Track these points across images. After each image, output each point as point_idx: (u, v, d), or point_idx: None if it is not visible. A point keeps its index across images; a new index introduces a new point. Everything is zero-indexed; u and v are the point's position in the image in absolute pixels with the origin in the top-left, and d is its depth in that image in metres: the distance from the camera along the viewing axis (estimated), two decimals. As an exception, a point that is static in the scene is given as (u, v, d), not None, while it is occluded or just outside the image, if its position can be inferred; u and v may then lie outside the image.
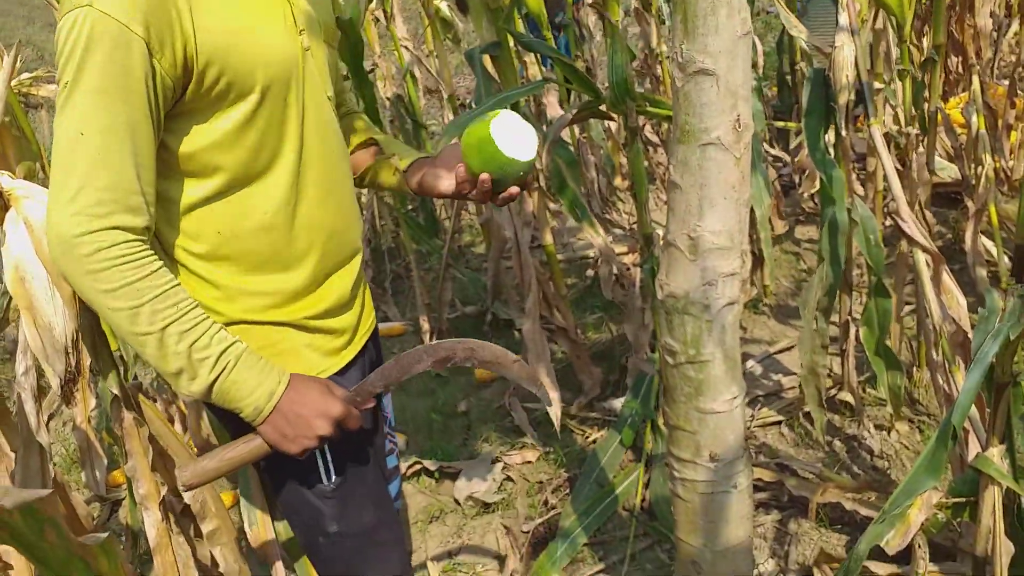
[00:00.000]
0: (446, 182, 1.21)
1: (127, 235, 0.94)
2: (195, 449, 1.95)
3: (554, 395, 2.24)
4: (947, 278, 1.59)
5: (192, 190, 1.03)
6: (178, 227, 1.05)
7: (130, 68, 0.91)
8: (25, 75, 2.92)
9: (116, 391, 1.15)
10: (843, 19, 1.65)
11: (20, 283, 1.01)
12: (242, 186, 1.05)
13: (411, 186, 1.27)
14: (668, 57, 4.02)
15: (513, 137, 1.14)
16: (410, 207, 3.89)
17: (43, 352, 1.06)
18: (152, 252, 0.97)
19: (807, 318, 1.96)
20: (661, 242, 2.22)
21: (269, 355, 1.10)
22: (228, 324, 1.09)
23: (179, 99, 0.98)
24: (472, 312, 3.30)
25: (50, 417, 1.81)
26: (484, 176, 1.15)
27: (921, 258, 1.62)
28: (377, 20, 3.47)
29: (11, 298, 2.11)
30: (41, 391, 1.21)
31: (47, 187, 0.97)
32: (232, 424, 1.13)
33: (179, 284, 0.99)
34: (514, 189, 1.19)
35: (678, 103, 1.04)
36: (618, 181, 4.16)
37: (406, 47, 3.33)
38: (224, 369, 1.00)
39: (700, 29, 1.00)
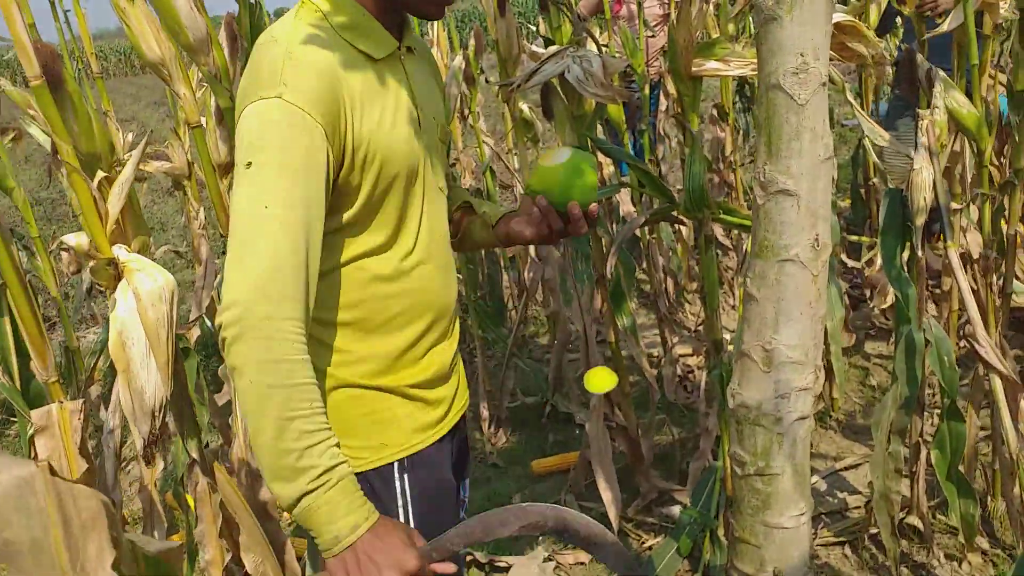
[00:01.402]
0: (529, 229, 1.31)
1: (293, 314, 0.98)
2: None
3: (612, 495, 2.21)
4: (1026, 407, 1.55)
5: (328, 260, 1.12)
6: None
7: (312, 151, 1.02)
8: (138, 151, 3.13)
9: (195, 455, 1.19)
10: (922, 141, 1.67)
11: (121, 347, 1.08)
12: (366, 257, 1.16)
13: (500, 239, 1.38)
14: (741, 165, 4.08)
15: (559, 155, 1.28)
16: (479, 294, 3.97)
17: (132, 413, 1.11)
18: (304, 343, 1.00)
19: (879, 439, 1.92)
20: (732, 349, 2.22)
21: (371, 422, 1.17)
22: (339, 387, 1.17)
23: (334, 181, 1.09)
24: (532, 403, 3.31)
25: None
26: (571, 204, 1.25)
27: (998, 383, 1.59)
28: (464, 117, 3.63)
29: (97, 360, 2.20)
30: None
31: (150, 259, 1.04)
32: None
33: (316, 384, 1.00)
34: (593, 207, 1.28)
35: (758, 219, 1.07)
36: (684, 282, 4.17)
37: (487, 143, 3.47)
38: (323, 485, 0.98)
39: (784, 152, 1.04)
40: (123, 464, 3.13)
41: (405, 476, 1.22)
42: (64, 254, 3.79)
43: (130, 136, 3.40)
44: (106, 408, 3.21)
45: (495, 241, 1.40)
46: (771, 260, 1.07)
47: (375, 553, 1.00)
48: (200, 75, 1.64)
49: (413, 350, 1.22)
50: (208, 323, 3.23)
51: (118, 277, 1.09)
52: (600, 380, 2.18)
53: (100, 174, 1.14)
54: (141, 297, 1.06)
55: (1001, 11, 2.46)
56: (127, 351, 1.06)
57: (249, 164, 1.01)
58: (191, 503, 1.39)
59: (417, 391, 1.23)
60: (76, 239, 1.08)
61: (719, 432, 2.24)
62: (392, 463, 1.21)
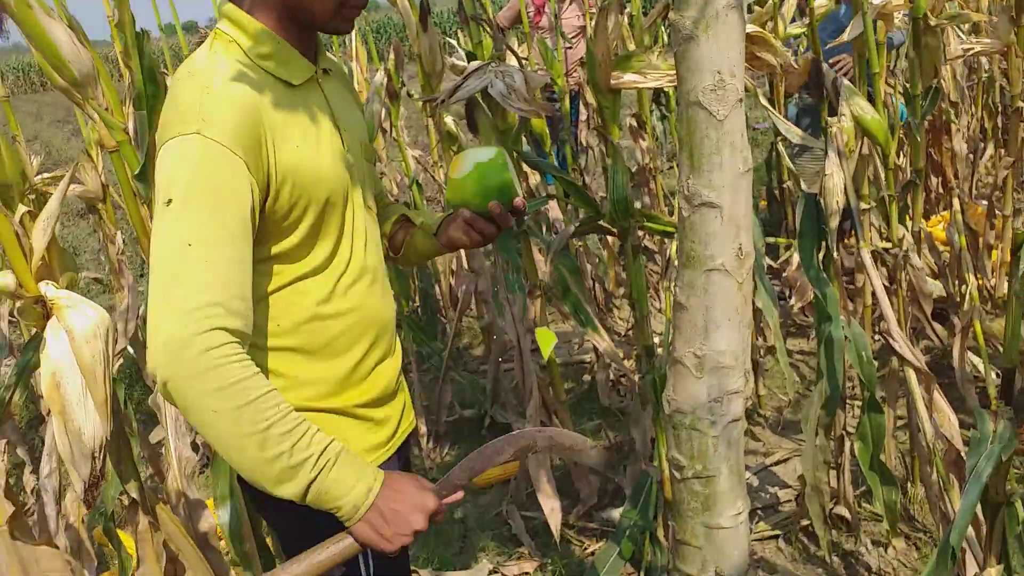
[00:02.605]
0: (465, 236, 1.33)
1: (231, 337, 0.98)
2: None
3: (553, 504, 2.24)
4: (938, 397, 1.64)
5: (256, 288, 1.11)
6: None
7: (234, 185, 1.02)
8: (45, 175, 3.02)
9: (135, 495, 1.17)
10: (831, 153, 1.76)
11: (55, 388, 1.05)
12: (300, 280, 1.16)
13: (444, 246, 1.39)
14: (660, 172, 4.19)
15: (472, 157, 1.30)
16: (412, 307, 3.96)
17: (70, 456, 1.08)
18: (249, 356, 1.01)
19: (809, 434, 2.00)
20: (662, 353, 2.27)
21: None
22: None
23: (260, 211, 1.09)
24: (471, 415, 3.32)
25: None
26: (491, 205, 1.27)
27: (913, 376, 1.68)
28: (385, 131, 3.63)
29: (12, 394, 2.12)
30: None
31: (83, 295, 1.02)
32: (283, 530, 1.16)
33: (274, 389, 1.02)
34: (517, 200, 1.31)
35: (684, 231, 1.11)
36: (612, 287, 4.25)
37: (415, 158, 3.47)
38: (324, 468, 1.01)
39: (705, 166, 1.08)
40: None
41: None
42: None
43: (37, 160, 3.28)
44: (23, 445, 3.07)
45: (439, 249, 1.41)
46: (698, 270, 1.11)
47: (396, 504, 1.06)
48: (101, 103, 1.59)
49: (358, 370, 1.23)
50: (131, 351, 3.13)
51: (47, 315, 1.06)
52: (546, 340, 2.23)
53: (22, 208, 1.10)
54: (74, 335, 1.04)
55: (895, 21, 2.61)
56: (62, 392, 1.03)
57: (169, 201, 1.00)
58: (127, 542, 1.36)
59: (365, 411, 1.24)
60: (1, 279, 1.04)
61: (654, 435, 2.30)
62: None
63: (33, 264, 1.06)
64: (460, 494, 1.16)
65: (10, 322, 3.25)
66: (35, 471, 2.86)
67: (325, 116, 1.19)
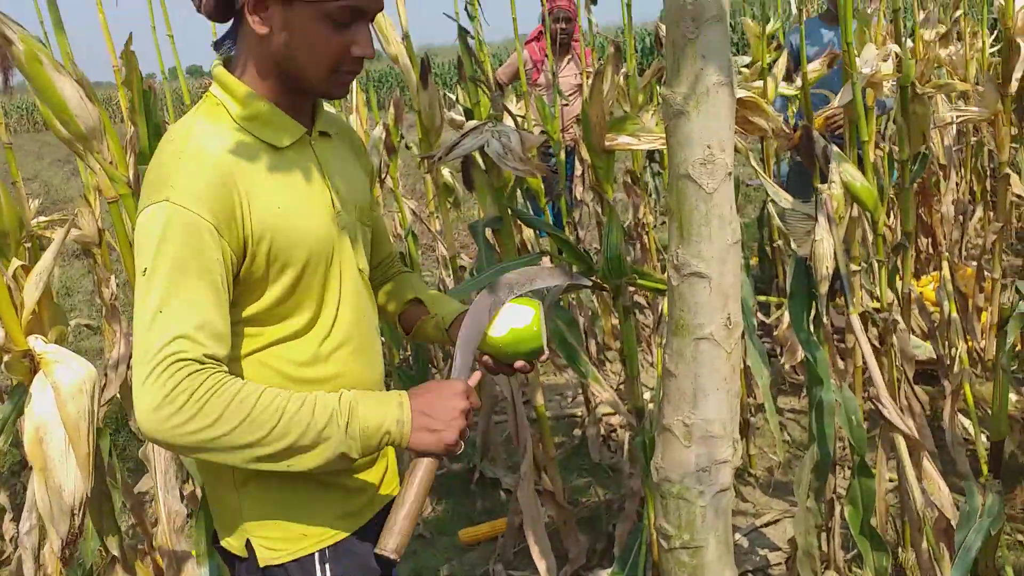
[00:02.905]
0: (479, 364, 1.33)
1: (200, 364, 1.00)
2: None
3: (546, 563, 2.21)
4: (928, 464, 1.64)
5: (233, 349, 1.10)
6: None
7: (203, 250, 1.03)
8: (41, 218, 3.03)
9: (116, 552, 1.15)
10: (821, 218, 1.79)
11: (38, 444, 1.05)
12: (277, 344, 1.15)
13: (454, 342, 1.37)
14: (654, 227, 4.23)
15: (517, 312, 1.29)
16: (404, 356, 3.95)
17: (49, 513, 1.07)
18: (228, 372, 1.03)
19: (801, 498, 1.99)
20: (652, 410, 2.26)
21: (288, 512, 1.16)
22: (253, 477, 1.15)
23: (236, 274, 1.09)
24: (459, 470, 3.29)
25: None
26: (484, 358, 1.30)
27: (902, 443, 1.68)
28: (382, 182, 3.66)
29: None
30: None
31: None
32: None
33: (266, 388, 1.05)
34: (518, 363, 1.31)
35: (673, 300, 1.12)
36: (607, 340, 4.25)
37: (409, 206, 3.50)
38: (350, 413, 1.05)
39: (694, 237, 1.10)
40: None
41: (327, 567, 1.19)
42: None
43: (36, 202, 3.29)
44: (6, 491, 3.02)
45: (449, 342, 1.40)
46: (687, 339, 1.12)
47: (432, 400, 1.11)
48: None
49: None
50: (119, 397, 3.11)
51: (34, 369, 1.06)
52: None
53: (15, 263, 1.11)
54: (61, 391, 1.03)
55: (884, 90, 2.67)
56: (44, 448, 1.02)
57: (144, 270, 1.02)
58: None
59: (334, 478, 1.20)
60: (-11, 334, 1.04)
61: (644, 494, 2.28)
62: (312, 553, 1.18)
63: (24, 318, 1.06)
64: (479, 374, 1.23)
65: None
66: (15, 519, 2.82)
67: (314, 180, 1.18)
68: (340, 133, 1.32)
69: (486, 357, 1.31)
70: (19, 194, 2.80)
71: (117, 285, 3.14)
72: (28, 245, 1.74)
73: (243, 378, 1.10)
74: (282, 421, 1.01)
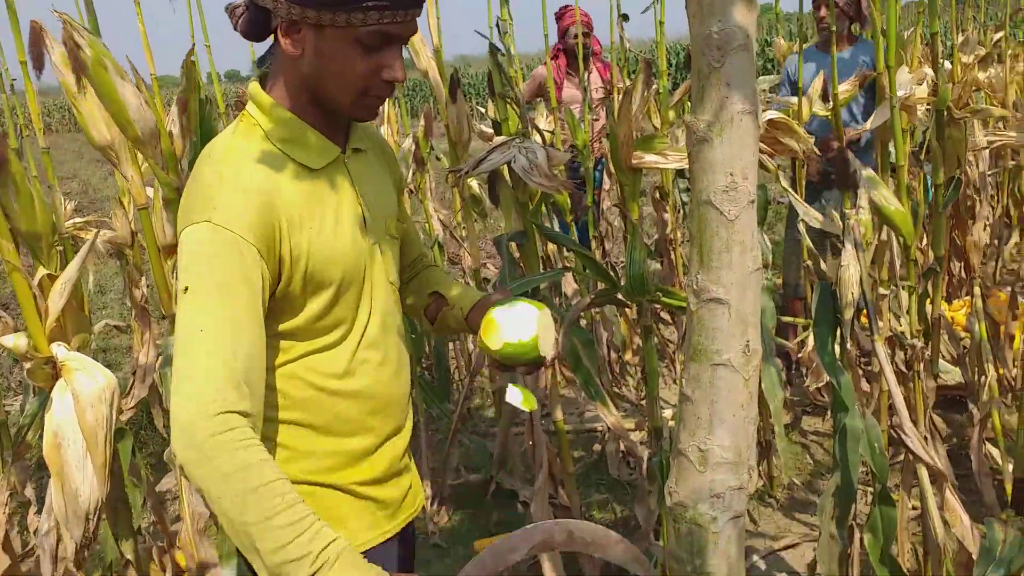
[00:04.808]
0: None
1: (239, 421, 0.99)
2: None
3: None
4: (950, 496, 1.61)
5: (268, 361, 1.12)
6: None
7: (245, 271, 1.04)
8: (77, 219, 3.08)
9: (130, 556, 1.17)
10: (848, 244, 1.76)
11: (56, 449, 1.07)
12: (310, 355, 1.17)
13: (474, 329, 1.39)
14: (681, 244, 4.21)
15: (517, 323, 1.27)
16: (425, 365, 3.96)
17: (64, 517, 1.09)
18: (260, 441, 1.01)
19: (824, 524, 1.96)
20: (672, 426, 2.24)
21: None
22: None
23: (272, 293, 1.11)
24: (476, 480, 3.29)
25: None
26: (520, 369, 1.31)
27: (924, 472, 1.65)
28: (412, 192, 3.69)
29: (26, 432, 2.13)
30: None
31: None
32: None
33: (284, 478, 1.00)
34: (521, 369, 1.32)
35: (692, 325, 1.11)
36: (628, 356, 4.23)
37: (437, 217, 3.52)
38: (324, 565, 0.97)
39: (715, 263, 1.09)
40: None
41: None
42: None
43: (71, 204, 3.35)
44: (32, 484, 3.08)
45: (468, 330, 1.42)
46: (705, 364, 1.11)
47: None
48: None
49: (363, 447, 1.23)
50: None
51: (55, 376, 1.08)
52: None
53: (41, 271, 1.13)
54: (80, 398, 1.05)
55: (918, 112, 2.64)
56: (62, 453, 1.04)
57: (186, 288, 1.03)
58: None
59: (366, 489, 1.23)
60: (14, 340, 1.06)
61: (660, 513, 2.26)
62: None
63: (47, 326, 1.08)
64: None
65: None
66: (39, 512, 2.86)
67: (348, 198, 1.20)
68: (373, 147, 1.34)
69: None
70: (53, 197, 2.85)
71: (148, 287, 3.19)
72: (61, 248, 1.77)
73: (274, 388, 1.11)
74: (264, 523, 0.96)
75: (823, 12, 3.60)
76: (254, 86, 1.19)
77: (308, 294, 1.14)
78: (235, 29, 1.19)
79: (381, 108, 1.29)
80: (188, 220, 1.07)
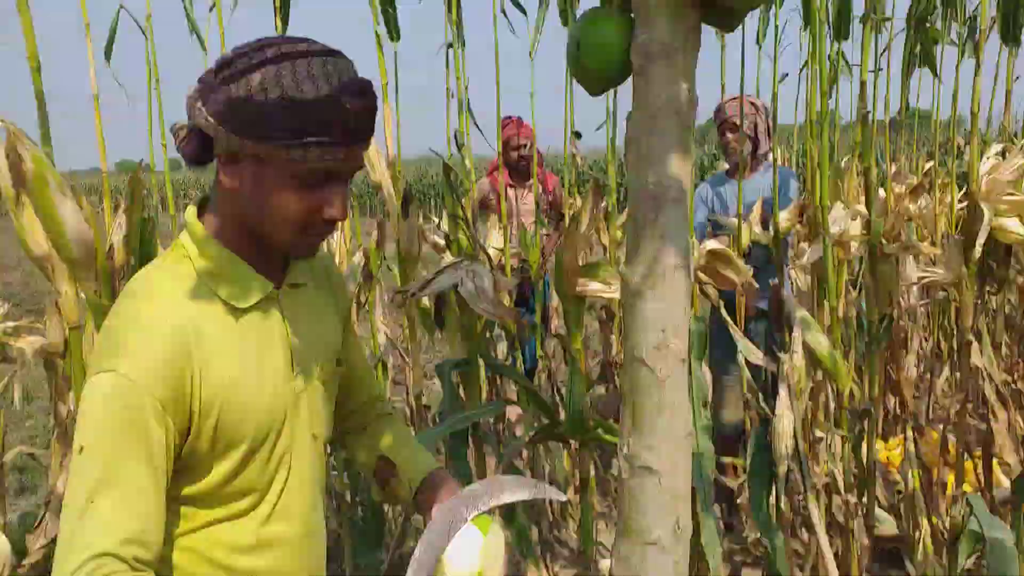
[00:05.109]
0: None
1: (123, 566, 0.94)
2: None
3: None
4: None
5: (169, 525, 1.05)
6: None
7: (146, 432, 0.98)
8: (8, 324, 2.95)
9: None
10: (782, 391, 1.78)
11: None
12: (213, 525, 1.09)
13: (422, 511, 1.31)
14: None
15: (460, 555, 1.18)
16: (357, 503, 3.74)
17: None
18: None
19: None
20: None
21: None
22: None
23: (178, 453, 1.04)
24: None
25: None
26: None
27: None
28: (360, 305, 3.64)
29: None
30: None
31: None
32: None
33: None
34: None
35: (623, 497, 1.09)
36: (570, 493, 4.07)
37: (386, 335, 3.47)
38: None
39: (646, 427, 1.07)
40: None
41: None
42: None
43: (3, 309, 3.20)
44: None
45: (418, 511, 1.33)
46: (635, 543, 1.07)
47: None
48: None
49: None
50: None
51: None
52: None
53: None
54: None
55: (852, 249, 2.71)
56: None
57: (81, 449, 0.97)
58: None
59: None
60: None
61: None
62: None
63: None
64: None
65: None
66: None
67: (276, 340, 1.13)
68: (316, 278, 1.26)
69: None
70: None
71: (76, 402, 3.03)
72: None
73: (169, 563, 1.04)
74: None
75: (728, 137, 3.62)
76: (191, 212, 1.14)
77: (216, 454, 1.06)
78: (178, 150, 1.15)
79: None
80: (97, 366, 1.00)
